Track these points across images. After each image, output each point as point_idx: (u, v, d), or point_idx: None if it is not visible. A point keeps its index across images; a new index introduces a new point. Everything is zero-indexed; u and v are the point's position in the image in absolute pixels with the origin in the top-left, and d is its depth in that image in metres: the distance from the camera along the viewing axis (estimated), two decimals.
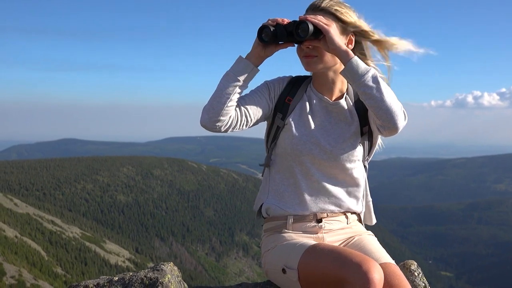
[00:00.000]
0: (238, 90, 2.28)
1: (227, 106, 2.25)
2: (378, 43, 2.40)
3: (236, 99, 2.29)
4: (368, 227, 2.61)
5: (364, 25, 2.37)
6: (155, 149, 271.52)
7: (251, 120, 2.36)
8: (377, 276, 2.00)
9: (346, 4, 2.37)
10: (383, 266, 2.17)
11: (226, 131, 2.31)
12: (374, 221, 2.62)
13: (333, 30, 2.22)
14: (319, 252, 2.17)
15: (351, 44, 2.36)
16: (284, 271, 2.27)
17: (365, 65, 2.17)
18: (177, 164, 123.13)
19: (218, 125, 2.26)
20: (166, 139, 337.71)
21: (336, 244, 2.39)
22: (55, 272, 56.62)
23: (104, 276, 2.58)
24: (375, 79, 2.13)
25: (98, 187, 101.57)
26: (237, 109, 2.32)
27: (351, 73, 2.17)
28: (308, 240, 2.33)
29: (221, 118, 2.25)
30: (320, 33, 2.23)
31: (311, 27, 2.21)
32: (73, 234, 71.81)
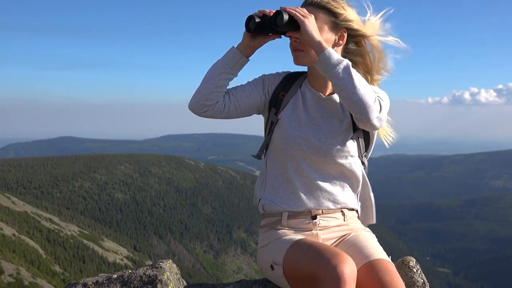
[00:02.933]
0: (225, 77, 2.33)
1: (212, 92, 2.32)
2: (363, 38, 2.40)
3: (224, 86, 2.35)
4: (368, 225, 2.59)
5: (357, 21, 2.36)
6: (153, 147, 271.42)
7: (239, 109, 2.42)
8: (347, 270, 1.97)
9: (345, 1, 2.36)
10: (376, 262, 2.15)
11: (213, 116, 2.38)
12: (374, 220, 2.56)
13: (310, 21, 2.21)
14: (299, 247, 2.18)
15: (342, 40, 2.34)
16: (272, 267, 2.28)
17: (338, 57, 2.14)
18: (175, 161, 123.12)
19: (204, 109, 2.34)
20: (163, 137, 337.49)
21: (331, 241, 2.37)
22: (53, 270, 56.64)
23: (103, 274, 2.59)
24: (346, 70, 2.10)
25: (96, 185, 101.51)
26: (227, 97, 2.38)
27: (323, 65, 2.16)
28: (297, 236, 2.32)
29: (207, 102, 2.33)
30: (298, 25, 2.25)
31: (285, 16, 2.22)
32: (71, 232, 71.80)
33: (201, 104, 2.33)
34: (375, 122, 2.15)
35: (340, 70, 2.11)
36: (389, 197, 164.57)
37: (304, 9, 2.25)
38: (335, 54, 2.15)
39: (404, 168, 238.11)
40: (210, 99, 2.33)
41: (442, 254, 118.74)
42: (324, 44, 2.18)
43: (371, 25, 2.42)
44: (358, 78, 2.11)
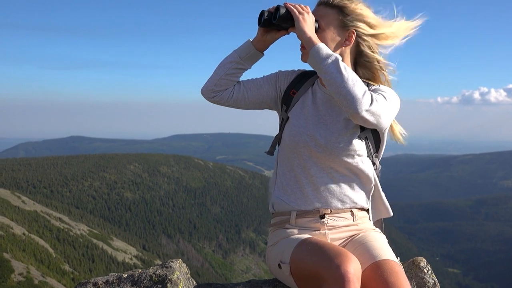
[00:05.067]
0: (235, 66, 2.42)
1: (221, 78, 2.41)
2: (373, 37, 2.37)
3: (234, 75, 2.44)
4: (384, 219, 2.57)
5: (369, 23, 2.34)
6: (162, 146, 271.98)
7: (248, 100, 2.48)
8: (351, 269, 1.96)
9: (361, 1, 2.36)
10: (382, 262, 2.13)
11: (220, 102, 2.47)
12: (390, 213, 2.52)
13: (304, 17, 2.23)
14: (305, 246, 2.18)
15: (350, 40, 2.33)
16: (280, 266, 2.28)
17: (328, 51, 2.14)
18: (184, 161, 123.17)
19: (212, 95, 2.45)
20: (172, 136, 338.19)
21: (340, 241, 2.35)
22: (63, 269, 56.80)
23: (113, 273, 2.60)
24: (335, 65, 2.10)
25: (105, 184, 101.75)
26: (237, 86, 2.47)
27: (313, 60, 2.16)
28: (305, 235, 2.31)
29: (215, 88, 2.43)
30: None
31: (282, 11, 2.25)
32: (81, 231, 72.01)
33: (210, 89, 2.44)
34: (365, 115, 2.11)
35: (329, 65, 2.11)
36: (398, 197, 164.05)
37: (306, 6, 2.27)
38: (325, 49, 2.15)
39: (413, 168, 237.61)
40: (218, 85, 2.42)
41: (451, 255, 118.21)
42: (315, 40, 2.19)
43: (399, 29, 2.40)
44: (347, 72, 2.10)
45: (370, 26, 2.35)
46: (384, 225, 2.60)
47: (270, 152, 2.54)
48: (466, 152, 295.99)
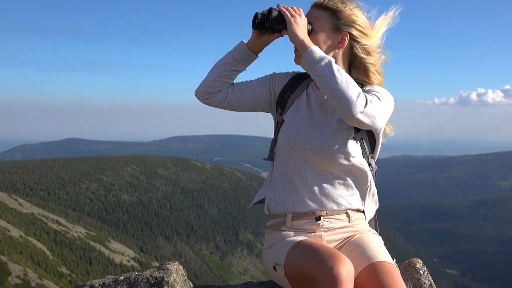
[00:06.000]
0: (229, 67, 2.41)
1: (215, 80, 2.40)
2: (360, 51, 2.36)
3: (228, 77, 2.42)
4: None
5: (362, 26, 2.34)
6: (159, 148, 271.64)
7: (242, 102, 2.46)
8: (343, 271, 1.95)
9: (355, 4, 2.36)
10: (378, 264, 2.13)
11: (213, 104, 2.45)
12: (377, 204, 2.53)
13: (296, 20, 2.22)
14: (299, 248, 2.18)
15: (343, 43, 2.32)
16: (275, 268, 2.29)
17: (322, 54, 2.14)
18: (181, 163, 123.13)
19: (206, 97, 2.43)
20: (170, 138, 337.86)
21: (335, 243, 2.35)
22: (60, 271, 56.74)
23: (109, 276, 2.60)
24: (328, 67, 2.10)
25: (103, 186, 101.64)
26: (231, 88, 2.45)
27: (306, 64, 2.16)
28: (300, 237, 2.31)
29: (209, 90, 2.42)
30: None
31: (274, 13, 2.25)
32: (78, 234, 71.93)
33: (204, 91, 2.43)
34: (360, 117, 2.11)
35: (322, 67, 2.11)
36: (396, 198, 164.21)
37: (299, 8, 2.26)
38: (318, 52, 2.15)
39: (411, 169, 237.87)
40: (212, 87, 2.41)
41: (449, 255, 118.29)
42: (308, 43, 2.18)
43: (375, 31, 2.39)
44: (340, 75, 2.09)
45: (363, 29, 2.35)
46: (378, 222, 2.60)
47: (270, 158, 2.51)
48: (463, 153, 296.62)
